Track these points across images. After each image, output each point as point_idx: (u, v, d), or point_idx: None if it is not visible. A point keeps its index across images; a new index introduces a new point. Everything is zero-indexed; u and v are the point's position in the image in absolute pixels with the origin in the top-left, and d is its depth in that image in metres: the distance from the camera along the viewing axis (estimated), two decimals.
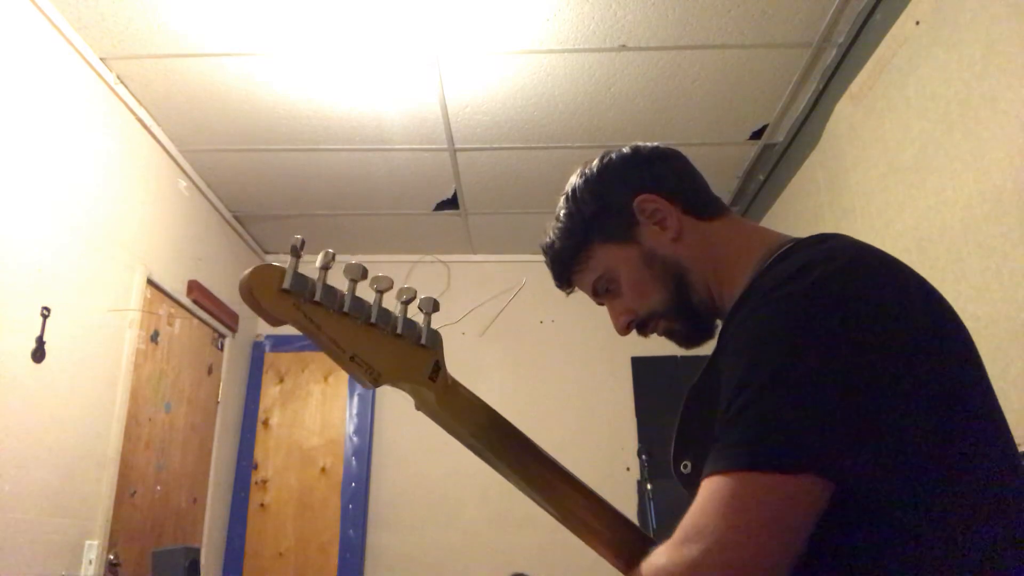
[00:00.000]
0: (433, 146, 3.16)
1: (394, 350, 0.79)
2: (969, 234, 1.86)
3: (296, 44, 2.53)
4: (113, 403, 2.66)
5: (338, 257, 0.75)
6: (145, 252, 2.93)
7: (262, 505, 3.81)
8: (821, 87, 2.72)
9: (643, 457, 2.75)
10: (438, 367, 0.82)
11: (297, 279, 0.74)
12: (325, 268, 0.75)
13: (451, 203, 3.68)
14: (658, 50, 2.57)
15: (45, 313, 2.29)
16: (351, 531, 3.75)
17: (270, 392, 4.02)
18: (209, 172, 3.38)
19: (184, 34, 2.48)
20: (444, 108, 2.89)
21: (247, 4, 2.35)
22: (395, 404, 3.95)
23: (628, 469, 3.85)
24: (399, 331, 0.79)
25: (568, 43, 2.53)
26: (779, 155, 3.17)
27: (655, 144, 1.00)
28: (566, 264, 0.98)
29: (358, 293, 0.78)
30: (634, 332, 0.97)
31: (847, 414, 0.63)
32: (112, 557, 2.59)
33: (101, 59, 2.60)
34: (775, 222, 3.24)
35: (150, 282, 2.96)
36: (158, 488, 3.00)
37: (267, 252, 4.22)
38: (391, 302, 0.80)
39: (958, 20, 1.91)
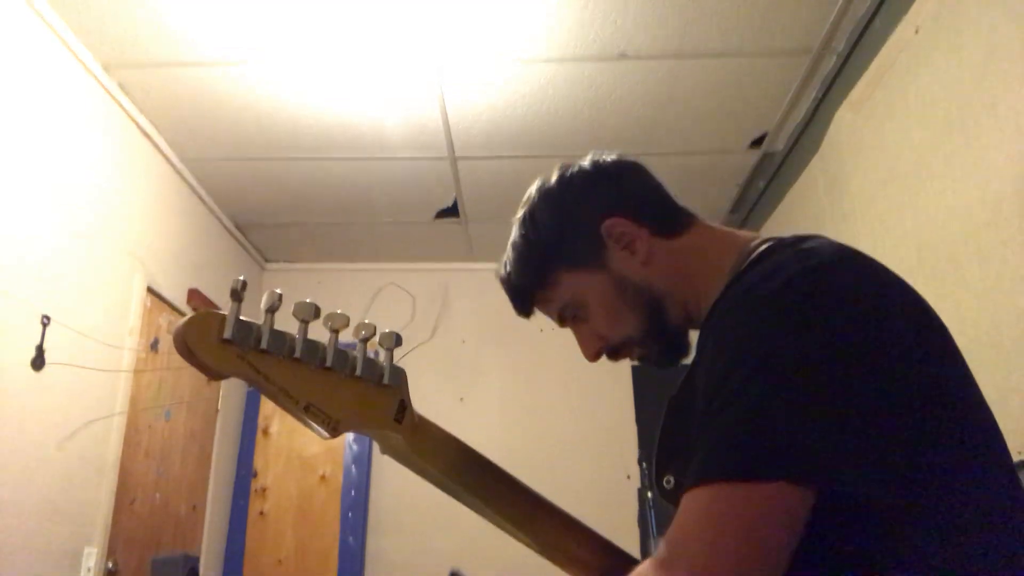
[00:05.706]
0: (434, 154, 3.17)
1: (353, 394, 0.73)
2: (969, 241, 1.86)
3: (298, 53, 2.54)
4: (112, 411, 2.66)
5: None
6: (145, 260, 2.93)
7: (262, 513, 3.80)
8: (821, 95, 2.73)
9: (643, 465, 2.75)
10: (404, 407, 0.76)
11: (240, 327, 0.67)
12: (271, 311, 0.69)
13: (452, 211, 3.68)
14: (658, 58, 2.58)
15: (45, 321, 2.29)
16: (351, 538, 3.74)
17: (270, 400, 4.01)
18: (210, 180, 3.39)
19: (185, 42, 2.49)
20: (445, 117, 2.89)
21: (249, 13, 2.36)
22: None
23: (628, 477, 3.83)
24: (358, 372, 0.73)
25: (568, 52, 2.54)
26: (779, 163, 3.18)
27: (615, 157, 0.95)
28: (528, 293, 0.92)
29: (312, 335, 0.71)
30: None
31: (820, 417, 0.61)
32: (111, 564, 2.58)
33: (103, 67, 2.60)
34: (775, 230, 3.24)
35: (150, 290, 2.96)
36: (157, 495, 2.99)
37: (268, 260, 4.22)
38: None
39: (958, 27, 1.91)
